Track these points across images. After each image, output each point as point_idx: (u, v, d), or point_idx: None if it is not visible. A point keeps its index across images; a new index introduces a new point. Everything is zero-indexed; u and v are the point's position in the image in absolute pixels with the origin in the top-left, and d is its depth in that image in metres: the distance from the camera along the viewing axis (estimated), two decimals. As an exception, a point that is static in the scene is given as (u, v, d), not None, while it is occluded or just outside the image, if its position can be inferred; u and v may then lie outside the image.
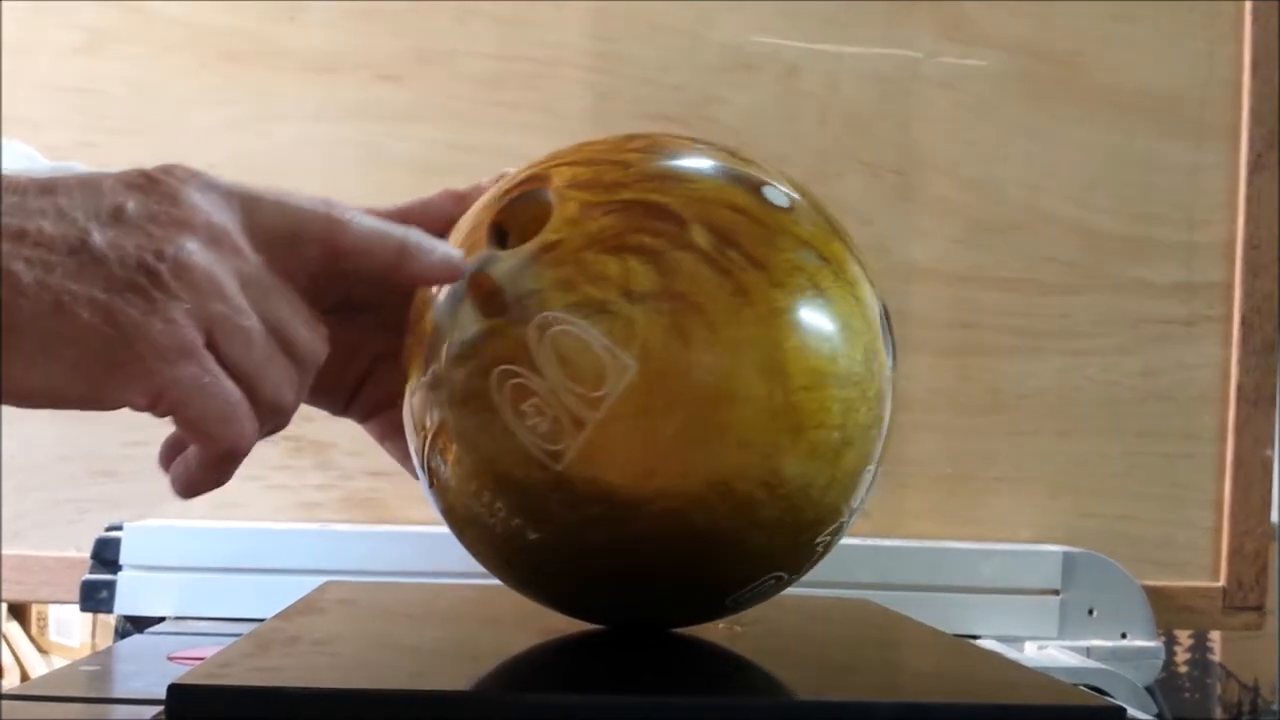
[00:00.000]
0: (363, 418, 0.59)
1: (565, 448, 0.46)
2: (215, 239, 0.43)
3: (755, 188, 0.51)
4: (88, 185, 0.42)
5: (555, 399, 0.46)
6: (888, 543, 0.91)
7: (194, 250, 0.42)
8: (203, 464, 0.46)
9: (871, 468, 0.51)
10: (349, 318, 0.54)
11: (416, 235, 0.48)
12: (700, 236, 0.48)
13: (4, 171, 0.43)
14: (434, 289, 0.52)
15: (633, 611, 0.54)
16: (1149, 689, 0.88)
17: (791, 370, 0.47)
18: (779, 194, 0.51)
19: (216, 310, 0.42)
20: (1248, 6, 0.99)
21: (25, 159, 0.76)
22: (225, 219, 0.43)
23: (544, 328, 0.47)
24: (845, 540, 0.89)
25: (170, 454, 0.53)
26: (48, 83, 0.92)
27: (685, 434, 0.46)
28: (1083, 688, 0.58)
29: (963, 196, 0.97)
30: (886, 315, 0.53)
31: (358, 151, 0.93)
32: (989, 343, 0.97)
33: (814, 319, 0.48)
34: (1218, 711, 1.36)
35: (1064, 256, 0.98)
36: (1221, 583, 0.98)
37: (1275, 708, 1.32)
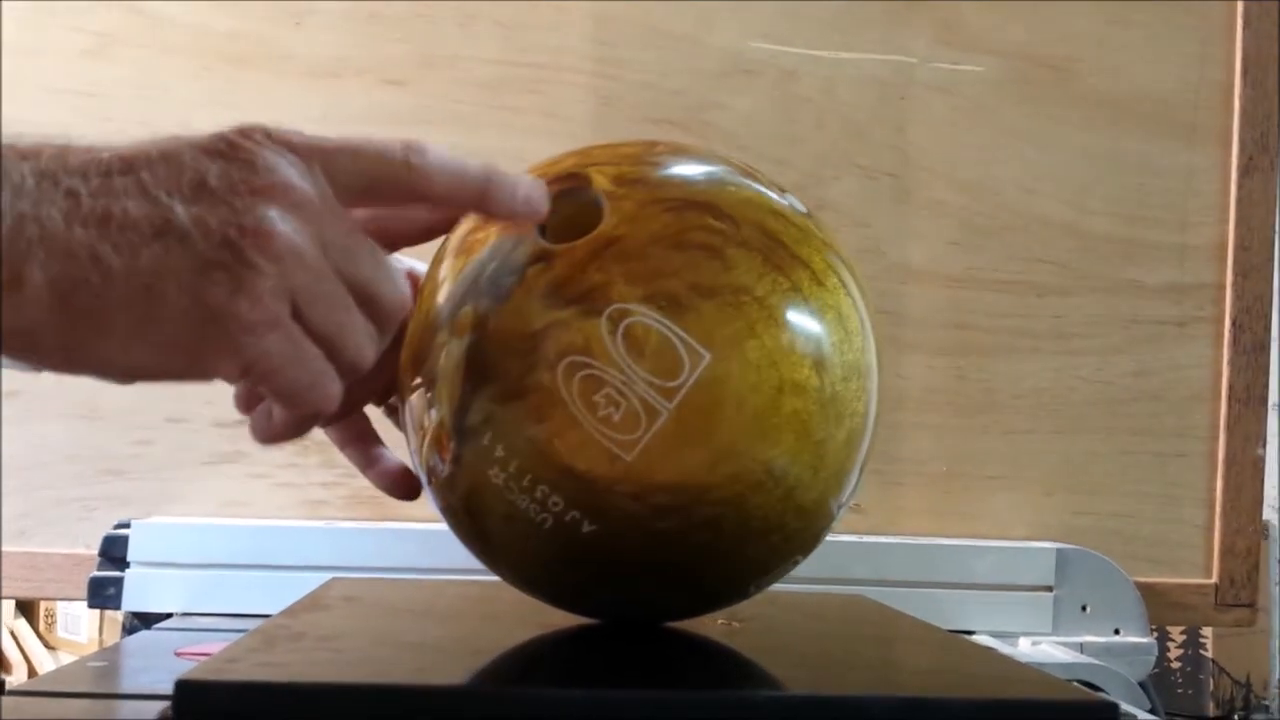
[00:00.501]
0: (324, 422, 0.58)
1: (638, 438, 0.47)
2: (295, 204, 0.42)
3: (778, 193, 0.53)
4: (169, 157, 0.42)
5: (630, 390, 0.47)
6: (884, 539, 0.92)
7: (275, 219, 0.42)
8: (287, 423, 0.47)
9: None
10: None
11: (498, 174, 0.48)
12: (752, 235, 0.50)
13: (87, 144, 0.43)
14: (437, 296, 0.52)
15: (656, 604, 0.55)
16: (1142, 684, 0.89)
17: (835, 362, 0.50)
18: (793, 199, 0.53)
19: (299, 280, 0.42)
20: (1239, 10, 0.99)
21: None
22: (304, 183, 0.43)
23: (617, 320, 0.47)
24: (842, 537, 0.90)
25: (248, 400, 0.54)
26: (52, 85, 0.92)
27: (752, 422, 0.48)
28: (1076, 683, 0.58)
29: (958, 199, 0.98)
30: None
31: (361, 155, 0.94)
32: (984, 343, 0.98)
33: (848, 314, 0.51)
34: (1210, 707, 1.36)
35: (1058, 258, 0.98)
36: (1214, 580, 0.98)
37: (1267, 703, 1.32)
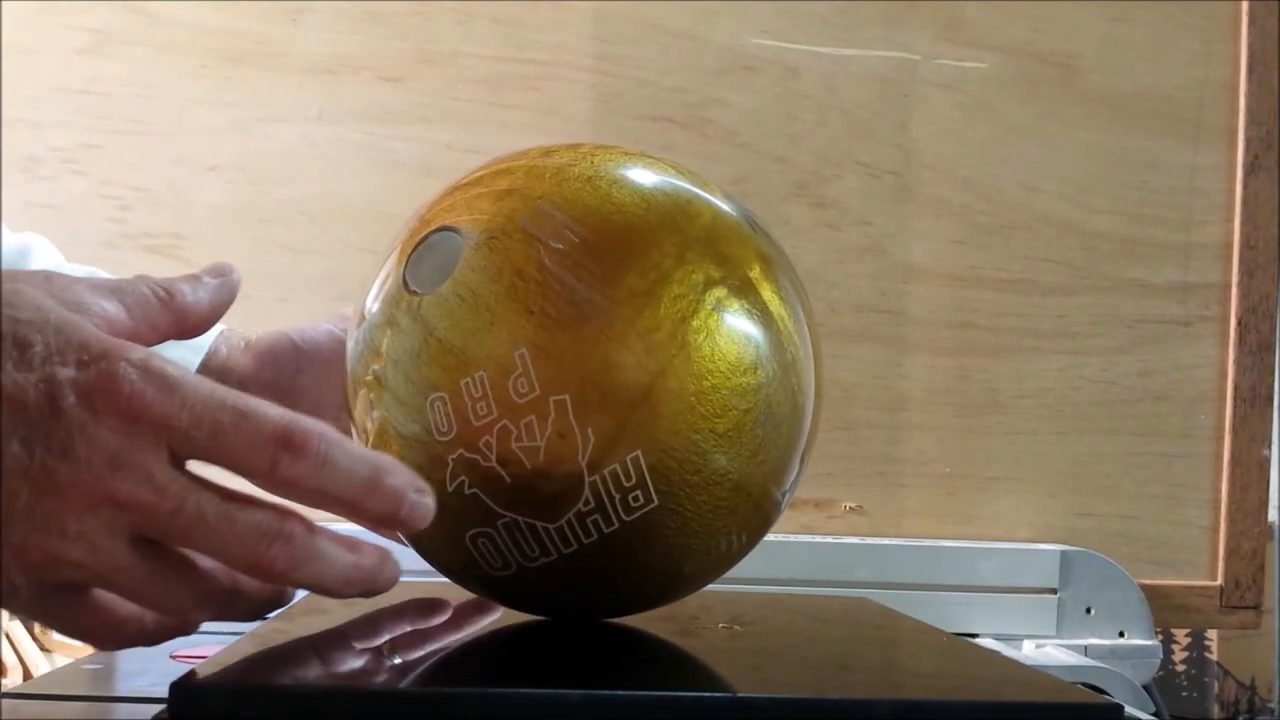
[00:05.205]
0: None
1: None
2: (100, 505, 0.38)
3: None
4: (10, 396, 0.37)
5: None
6: (886, 541, 0.92)
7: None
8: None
9: None
10: None
11: (382, 487, 0.40)
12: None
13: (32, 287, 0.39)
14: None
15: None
16: (1146, 687, 0.89)
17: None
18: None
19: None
20: (1244, 8, 0.99)
21: (48, 255, 0.74)
22: (120, 480, 0.37)
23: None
24: (844, 539, 0.90)
25: None
26: (51, 84, 0.92)
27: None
28: (1081, 686, 0.58)
29: (961, 197, 0.98)
30: None
31: (360, 153, 0.94)
32: (987, 343, 0.97)
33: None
34: (1215, 710, 1.36)
35: (1061, 257, 0.98)
36: (1219, 581, 0.98)
37: (1272, 706, 1.32)
